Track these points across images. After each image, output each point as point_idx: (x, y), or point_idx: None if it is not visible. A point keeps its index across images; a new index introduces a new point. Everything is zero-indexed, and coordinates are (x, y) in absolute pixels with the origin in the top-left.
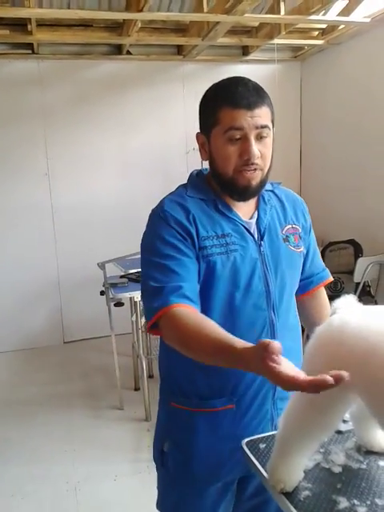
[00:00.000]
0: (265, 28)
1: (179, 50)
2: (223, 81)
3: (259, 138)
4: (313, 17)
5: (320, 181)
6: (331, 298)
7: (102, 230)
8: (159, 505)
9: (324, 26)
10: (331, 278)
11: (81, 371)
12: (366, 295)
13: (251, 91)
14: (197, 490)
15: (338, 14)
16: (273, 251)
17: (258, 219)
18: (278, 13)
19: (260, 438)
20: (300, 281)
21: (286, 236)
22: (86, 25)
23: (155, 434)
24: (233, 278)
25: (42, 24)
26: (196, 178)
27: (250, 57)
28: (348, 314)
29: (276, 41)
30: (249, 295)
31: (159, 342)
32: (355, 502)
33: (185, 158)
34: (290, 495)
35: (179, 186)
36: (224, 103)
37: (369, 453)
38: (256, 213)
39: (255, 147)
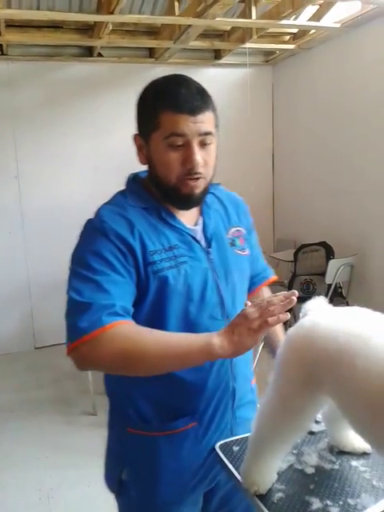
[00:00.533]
0: (236, 32)
1: (151, 52)
2: (164, 79)
3: (203, 145)
4: (284, 21)
5: (292, 184)
6: (303, 300)
7: (73, 234)
8: None
9: (295, 30)
10: (274, 277)
11: (53, 377)
12: (338, 296)
13: (195, 95)
14: None
15: (309, 19)
16: (221, 258)
17: (203, 226)
18: (250, 17)
19: (233, 441)
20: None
21: (232, 240)
22: (56, 26)
23: (107, 462)
24: (186, 292)
25: (12, 25)
26: (134, 184)
27: (222, 61)
28: (318, 316)
29: (248, 45)
30: (204, 307)
31: None
32: (328, 502)
33: None
34: (263, 497)
35: (117, 194)
36: (165, 106)
37: (341, 453)
38: (200, 219)
39: (199, 155)
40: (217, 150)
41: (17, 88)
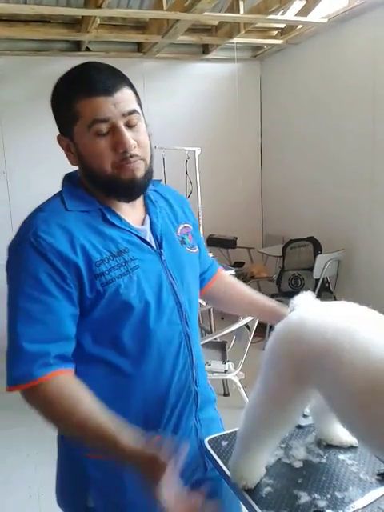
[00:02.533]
0: (224, 27)
1: (139, 47)
2: (72, 69)
3: (130, 125)
4: (271, 16)
5: (280, 180)
6: (291, 295)
7: None
8: None
9: (283, 25)
10: (220, 269)
11: None
12: (326, 291)
13: (107, 74)
14: None
15: (297, 14)
16: (174, 258)
17: (151, 225)
18: (237, 12)
19: (222, 436)
20: None
21: (182, 237)
22: (44, 21)
23: (63, 489)
24: (141, 298)
25: None
26: (71, 185)
27: (210, 55)
28: (306, 311)
29: (235, 40)
30: (161, 312)
31: None
32: (316, 495)
33: None
34: (252, 492)
35: (52, 197)
36: (79, 93)
37: (329, 447)
38: (147, 218)
39: (129, 137)
40: (147, 128)
41: (4, 83)
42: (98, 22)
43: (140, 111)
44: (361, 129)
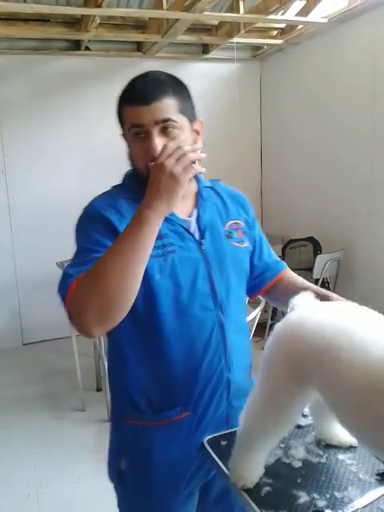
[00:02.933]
0: (224, 26)
1: (139, 46)
2: (133, 78)
3: (165, 131)
4: (271, 16)
5: (280, 179)
6: None
7: (62, 229)
8: None
9: (283, 25)
10: (285, 269)
11: (41, 373)
12: None
13: (149, 85)
14: (159, 506)
15: (297, 14)
16: (216, 249)
17: (197, 217)
18: (237, 11)
19: (221, 436)
20: (253, 278)
21: (229, 232)
22: (43, 20)
23: (109, 452)
24: (174, 280)
25: None
26: (129, 179)
27: (210, 55)
28: (305, 311)
29: (235, 39)
30: (194, 296)
31: (108, 354)
32: (315, 495)
33: None
34: (251, 492)
35: (112, 187)
36: (124, 101)
37: (328, 447)
38: (195, 211)
39: (157, 143)
40: (188, 136)
41: (3, 82)
42: (98, 22)
43: (180, 119)
44: (360, 129)
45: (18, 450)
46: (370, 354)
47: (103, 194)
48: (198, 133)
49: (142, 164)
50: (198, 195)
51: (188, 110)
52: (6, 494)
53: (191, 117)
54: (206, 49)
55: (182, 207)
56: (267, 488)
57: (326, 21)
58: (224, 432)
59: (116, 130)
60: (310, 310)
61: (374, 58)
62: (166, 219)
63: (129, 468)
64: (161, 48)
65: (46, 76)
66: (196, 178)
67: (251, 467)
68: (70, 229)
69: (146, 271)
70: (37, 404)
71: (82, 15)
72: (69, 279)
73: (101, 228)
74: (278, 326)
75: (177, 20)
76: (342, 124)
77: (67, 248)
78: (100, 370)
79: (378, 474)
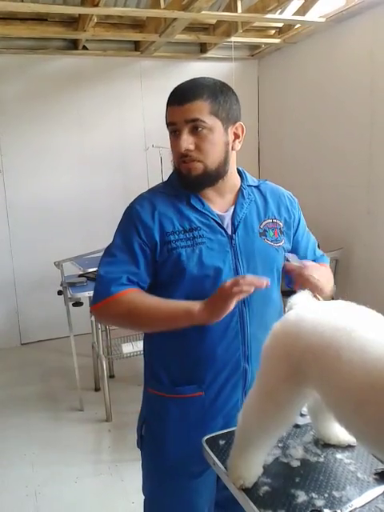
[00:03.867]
0: (222, 26)
1: (136, 45)
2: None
3: (194, 130)
4: (269, 15)
5: (278, 178)
6: (287, 294)
7: (59, 229)
8: (143, 488)
9: (280, 24)
10: (326, 263)
11: (39, 373)
12: None
13: (186, 89)
14: (171, 480)
15: (294, 14)
16: (246, 244)
17: (233, 213)
18: (235, 11)
19: (219, 435)
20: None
21: (264, 230)
22: (40, 19)
23: (138, 419)
24: (200, 268)
25: None
26: (173, 174)
27: (208, 54)
28: (304, 310)
29: (233, 39)
30: (218, 284)
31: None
32: (313, 495)
33: (144, 155)
34: (249, 491)
35: (161, 183)
36: (168, 103)
37: (326, 446)
38: (232, 207)
39: (184, 140)
40: (220, 137)
41: (0, 81)
42: (95, 21)
43: (212, 120)
44: (359, 129)
45: (16, 450)
46: (369, 353)
47: (149, 190)
48: (236, 136)
49: (175, 158)
50: (239, 193)
51: (223, 113)
52: (4, 494)
53: (227, 119)
54: (203, 48)
55: (221, 202)
56: (265, 487)
57: (323, 20)
58: (222, 431)
59: (113, 129)
60: (308, 309)
61: (371, 57)
62: (201, 213)
63: (147, 434)
64: (158, 47)
65: (43, 75)
66: (241, 175)
67: (249, 467)
68: (68, 228)
69: (174, 257)
70: (35, 404)
71: (80, 14)
72: (108, 288)
73: (134, 229)
74: (276, 325)
75: (174, 19)
76: (341, 124)
77: (65, 247)
78: (98, 369)
79: (376, 473)
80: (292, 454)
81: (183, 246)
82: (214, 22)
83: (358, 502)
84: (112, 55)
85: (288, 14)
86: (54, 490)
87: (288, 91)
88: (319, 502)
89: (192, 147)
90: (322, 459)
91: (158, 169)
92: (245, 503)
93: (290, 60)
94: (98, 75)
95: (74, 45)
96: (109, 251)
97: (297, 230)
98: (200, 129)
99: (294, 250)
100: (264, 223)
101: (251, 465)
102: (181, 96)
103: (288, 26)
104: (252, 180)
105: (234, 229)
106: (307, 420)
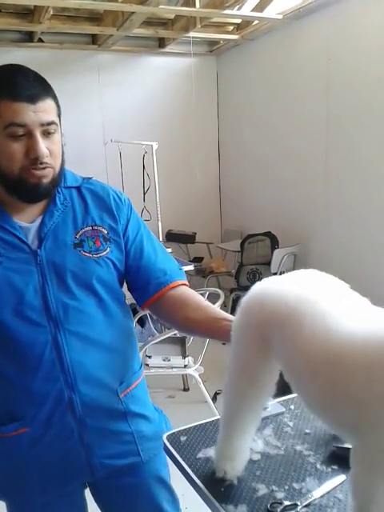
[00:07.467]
0: (180, 21)
1: (94, 39)
2: (0, 68)
3: (46, 134)
4: (227, 11)
5: (238, 174)
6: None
7: None
8: None
9: (239, 21)
10: (178, 281)
11: None
12: None
13: (32, 82)
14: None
15: (252, 10)
16: (56, 260)
17: (41, 223)
18: (193, 6)
19: (181, 431)
20: (137, 289)
21: (81, 240)
22: None
23: None
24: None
25: None
26: None
27: (167, 49)
28: (268, 281)
29: (192, 34)
30: (21, 311)
31: None
32: (274, 487)
33: (103, 150)
34: (210, 486)
35: None
36: (2, 95)
37: (286, 438)
38: (40, 217)
39: (43, 145)
40: (62, 139)
41: None
42: (51, 13)
43: (58, 123)
44: (315, 124)
45: None
46: (330, 324)
47: None
48: None
49: (16, 165)
50: (51, 199)
51: (59, 114)
52: None
53: (59, 118)
54: (162, 43)
55: (28, 211)
56: (226, 482)
57: (280, 17)
58: (183, 427)
59: (70, 124)
60: (272, 280)
61: (327, 53)
62: None
63: None
64: (116, 41)
65: None
66: (64, 175)
67: (234, 454)
68: None
69: None
70: None
71: (35, 6)
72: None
73: None
74: (243, 299)
75: (132, 13)
76: (298, 119)
77: None
78: None
79: (330, 456)
80: (253, 447)
81: None
82: (172, 16)
83: (317, 492)
84: (69, 48)
85: (246, 10)
86: None
87: (246, 87)
88: (280, 495)
89: (48, 153)
90: (281, 452)
91: (117, 163)
92: (206, 498)
93: (248, 56)
94: (55, 68)
95: (29, 37)
96: None
97: (127, 235)
98: (52, 132)
99: (136, 261)
100: (81, 232)
101: (236, 452)
102: (31, 91)
103: (246, 23)
104: (74, 179)
105: (40, 243)
106: (267, 413)
